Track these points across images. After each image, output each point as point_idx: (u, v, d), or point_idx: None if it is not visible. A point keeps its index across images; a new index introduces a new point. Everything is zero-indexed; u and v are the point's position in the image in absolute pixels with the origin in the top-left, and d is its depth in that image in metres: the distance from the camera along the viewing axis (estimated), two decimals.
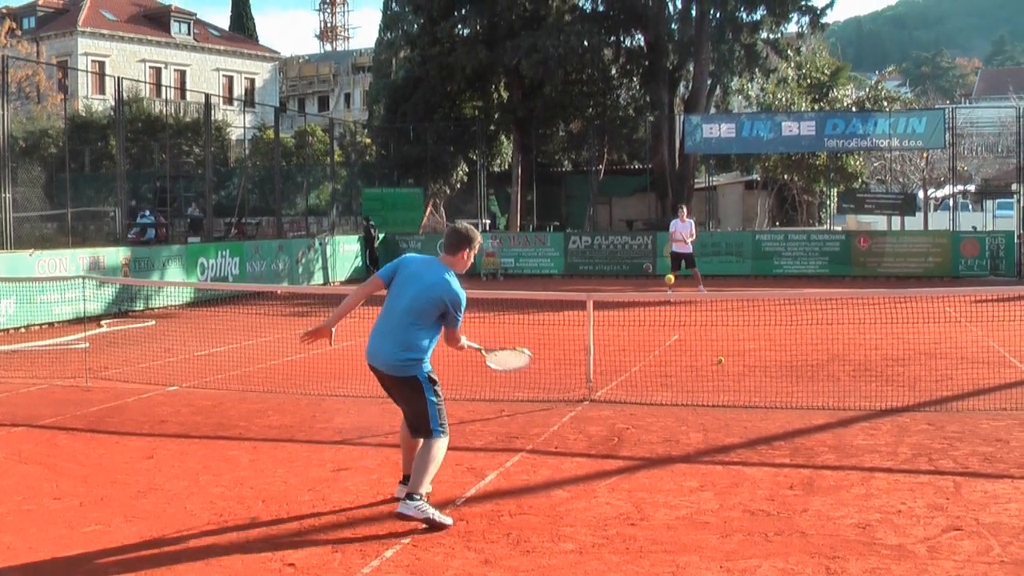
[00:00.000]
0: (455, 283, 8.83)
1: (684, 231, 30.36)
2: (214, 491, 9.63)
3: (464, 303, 8.91)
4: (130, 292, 27.21)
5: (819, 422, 12.38)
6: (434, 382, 8.87)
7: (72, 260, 25.99)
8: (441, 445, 8.76)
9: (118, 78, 32.16)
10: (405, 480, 9.03)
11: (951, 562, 7.46)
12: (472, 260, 9.19)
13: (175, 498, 9.43)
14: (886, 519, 8.50)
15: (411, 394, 8.85)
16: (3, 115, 25.85)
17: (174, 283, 28.81)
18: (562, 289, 30.86)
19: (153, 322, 25.20)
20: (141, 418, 13.36)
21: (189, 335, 22.41)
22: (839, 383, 15.26)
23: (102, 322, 24.52)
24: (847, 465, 10.30)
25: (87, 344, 20.64)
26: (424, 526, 8.34)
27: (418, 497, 8.44)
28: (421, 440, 8.85)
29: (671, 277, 28.96)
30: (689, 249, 30.38)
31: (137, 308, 27.55)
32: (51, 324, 24.25)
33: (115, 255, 27.77)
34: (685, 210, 31.54)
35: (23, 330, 23.36)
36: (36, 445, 11.85)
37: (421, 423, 8.82)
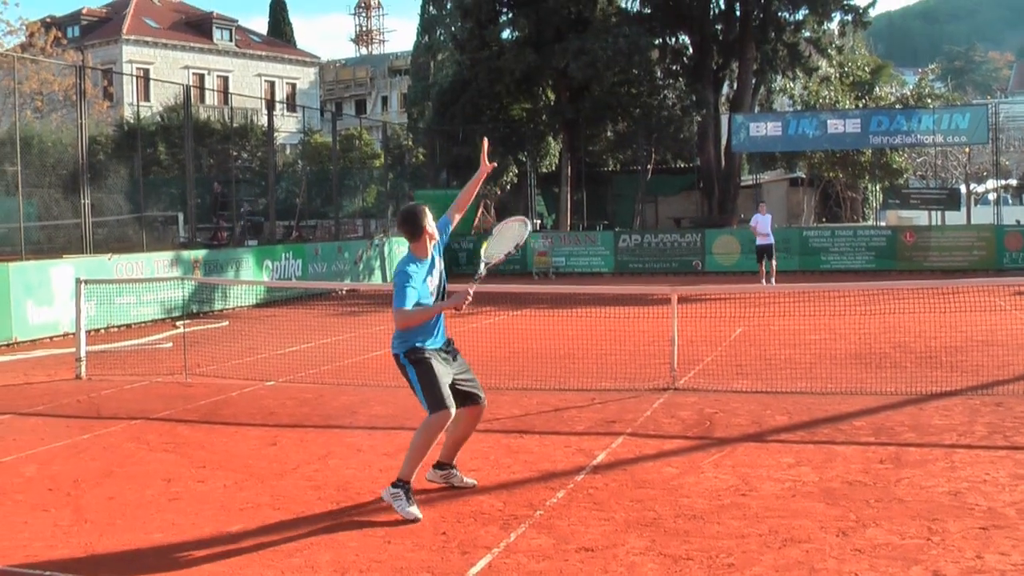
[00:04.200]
0: (404, 258, 9.09)
1: (765, 224, 31.87)
2: (346, 473, 10.29)
3: (406, 273, 8.89)
4: (203, 294, 28.02)
5: (894, 405, 13.09)
6: (417, 362, 9.10)
7: (147, 263, 26.82)
8: (438, 421, 9.05)
9: (185, 86, 33.01)
10: (438, 464, 9.80)
11: None
12: (431, 230, 9.10)
13: (311, 479, 10.09)
14: (974, 487, 9.22)
15: (402, 373, 9.28)
16: (82, 124, 26.71)
17: (273, 283, 29.99)
18: (627, 285, 31.56)
19: (227, 323, 25.86)
20: (251, 410, 14.09)
21: (266, 334, 23.13)
22: (906, 370, 15.90)
23: (177, 323, 25.25)
24: (928, 442, 11.00)
25: (171, 344, 21.51)
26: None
27: (400, 484, 8.91)
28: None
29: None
30: (771, 241, 31.95)
31: (207, 309, 28.29)
32: (128, 325, 25.00)
33: (187, 257, 28.62)
34: (765, 205, 33.19)
35: (103, 331, 24.00)
36: (159, 435, 12.51)
37: (416, 395, 9.22)
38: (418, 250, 9.04)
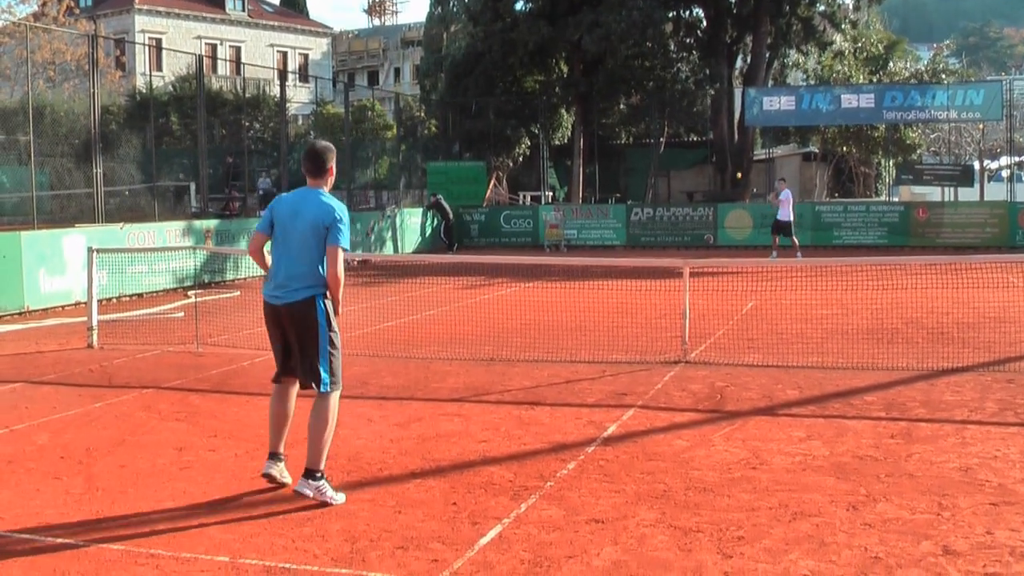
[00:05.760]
0: (333, 200, 8.67)
1: (784, 201, 32.41)
2: (356, 443, 10.33)
3: (347, 217, 8.64)
4: (214, 264, 28.10)
5: (906, 380, 13.11)
6: (329, 320, 8.68)
7: (159, 233, 26.89)
8: (334, 402, 8.73)
9: (198, 56, 33.03)
10: (273, 456, 8.90)
11: None
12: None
13: None
14: (984, 463, 9.23)
15: (307, 325, 8.62)
16: (94, 93, 26.74)
17: None
18: (639, 258, 31.56)
19: (238, 292, 25.91)
20: (262, 380, 13.99)
21: None
22: (917, 346, 15.94)
23: (189, 293, 25.31)
24: (939, 418, 11.02)
25: (182, 313, 21.55)
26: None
27: (319, 475, 8.49)
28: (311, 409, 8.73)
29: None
30: (783, 218, 32.47)
31: (219, 279, 28.46)
32: (140, 295, 25.11)
33: (199, 227, 28.67)
34: (783, 182, 33.99)
35: (115, 300, 24.00)
36: (171, 405, 12.58)
37: (314, 364, 8.63)
38: (327, 185, 8.85)
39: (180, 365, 15.54)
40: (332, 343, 8.67)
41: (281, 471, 8.89)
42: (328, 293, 8.68)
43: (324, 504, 8.37)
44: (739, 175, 48.09)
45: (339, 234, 8.53)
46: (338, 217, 8.55)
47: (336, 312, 8.77)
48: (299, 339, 8.68)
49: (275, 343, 8.94)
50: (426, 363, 15.14)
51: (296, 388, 9.05)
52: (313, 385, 8.68)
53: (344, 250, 8.59)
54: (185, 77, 56.40)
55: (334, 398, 8.73)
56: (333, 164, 8.86)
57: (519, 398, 12.49)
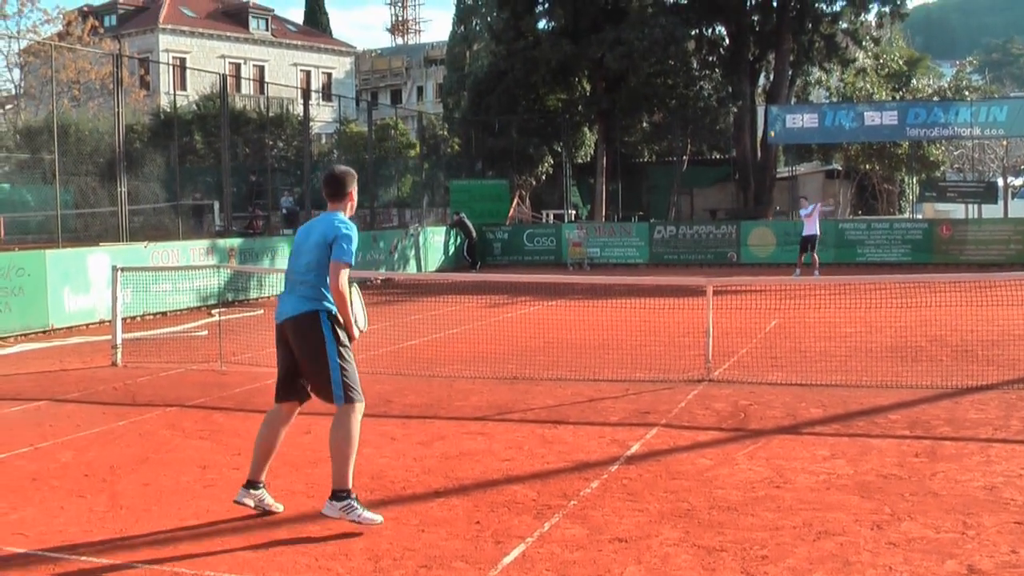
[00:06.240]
0: (344, 219, 8.52)
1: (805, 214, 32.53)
2: (380, 462, 10.35)
3: (353, 234, 8.43)
4: (238, 282, 28.18)
5: (930, 399, 13.06)
6: (336, 333, 8.45)
7: (183, 251, 26.97)
8: (355, 417, 8.47)
9: (222, 75, 33.21)
10: (250, 484, 8.72)
11: None
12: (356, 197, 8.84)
13: None
14: (1010, 482, 9.19)
15: (309, 339, 8.44)
16: (119, 112, 26.84)
17: None
18: (662, 276, 31.51)
19: (262, 311, 25.94)
20: None
21: None
22: (942, 364, 15.85)
23: (213, 311, 25.36)
24: (964, 436, 10.97)
25: (206, 332, 21.59)
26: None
27: (344, 495, 8.25)
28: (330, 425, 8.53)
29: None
30: (810, 233, 32.57)
31: (242, 297, 28.50)
32: (164, 313, 25.19)
33: (222, 246, 28.75)
34: (804, 200, 34.02)
35: (139, 319, 24.08)
36: (195, 423, 12.63)
37: (323, 379, 8.45)
38: (345, 209, 8.72)
39: (203, 383, 15.59)
40: (341, 356, 8.43)
41: (260, 499, 8.73)
42: (335, 311, 8.49)
43: (358, 524, 8.24)
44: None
45: (342, 250, 8.33)
46: (343, 233, 8.38)
47: (350, 333, 8.56)
48: (304, 354, 8.51)
49: (282, 365, 8.78)
50: (449, 381, 15.15)
51: (290, 420, 8.93)
52: (331, 400, 8.46)
53: (346, 265, 8.32)
54: (209, 96, 56.66)
55: (355, 413, 8.45)
56: (354, 189, 8.76)
57: (542, 416, 12.47)
